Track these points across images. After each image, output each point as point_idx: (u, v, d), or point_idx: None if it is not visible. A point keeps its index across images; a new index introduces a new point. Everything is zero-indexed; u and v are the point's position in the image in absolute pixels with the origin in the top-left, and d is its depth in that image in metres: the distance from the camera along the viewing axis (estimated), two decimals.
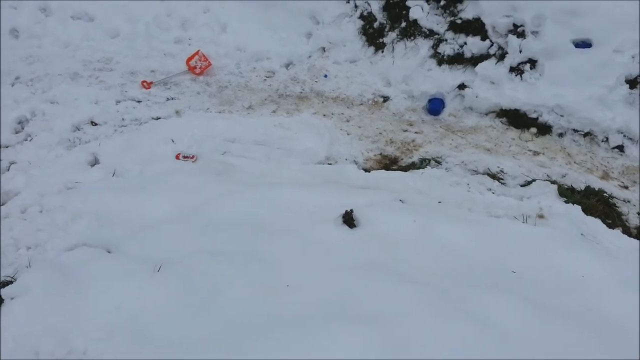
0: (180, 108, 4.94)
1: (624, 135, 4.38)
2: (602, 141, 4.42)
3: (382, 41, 5.56)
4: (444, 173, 4.04)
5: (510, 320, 2.51)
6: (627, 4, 4.49)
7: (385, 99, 5.22)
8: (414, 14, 5.37)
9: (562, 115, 4.55)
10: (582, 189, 3.93)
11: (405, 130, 4.76)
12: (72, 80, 5.28)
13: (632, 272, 2.94)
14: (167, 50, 5.87)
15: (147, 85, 5.26)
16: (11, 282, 2.67)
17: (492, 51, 4.97)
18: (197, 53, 5.56)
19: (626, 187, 4.02)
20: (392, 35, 5.52)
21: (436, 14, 5.30)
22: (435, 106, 4.95)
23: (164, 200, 3.48)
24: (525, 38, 4.79)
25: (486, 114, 4.86)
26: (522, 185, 3.94)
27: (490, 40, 4.99)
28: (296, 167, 4.08)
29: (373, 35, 5.64)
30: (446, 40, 5.20)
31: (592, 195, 3.85)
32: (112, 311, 2.49)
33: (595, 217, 3.52)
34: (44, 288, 2.53)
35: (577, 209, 3.53)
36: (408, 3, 5.43)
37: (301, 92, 5.37)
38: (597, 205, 3.73)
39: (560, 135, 4.55)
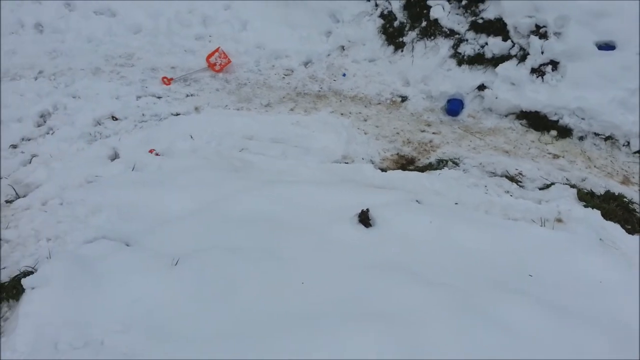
0: (200, 104, 4.98)
1: None
2: (624, 145, 4.35)
3: (402, 40, 5.54)
4: (462, 174, 4.02)
5: (526, 323, 2.50)
6: None
7: (404, 98, 5.20)
8: (435, 13, 5.34)
9: (583, 118, 4.49)
10: (602, 193, 3.88)
11: (423, 131, 4.74)
12: (94, 75, 5.35)
13: None
14: (187, 46, 5.92)
15: (167, 81, 5.31)
16: (32, 273, 2.72)
17: (513, 52, 4.92)
18: (217, 50, 5.60)
19: None
20: (412, 35, 5.49)
21: (457, 14, 5.27)
22: (454, 107, 4.92)
23: (182, 195, 3.51)
24: (547, 39, 4.73)
25: (506, 116, 4.82)
26: (540, 189, 3.89)
27: (512, 41, 4.94)
28: (313, 165, 4.08)
29: (393, 35, 5.62)
30: (467, 40, 5.16)
31: (612, 200, 3.80)
32: (129, 304, 2.53)
33: (615, 222, 3.46)
34: (64, 279, 2.58)
35: (596, 213, 3.49)
36: (429, 2, 5.41)
37: (319, 91, 5.37)
38: (617, 210, 3.68)
39: (581, 138, 4.49)
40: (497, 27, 5.04)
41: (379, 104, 5.18)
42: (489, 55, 5.02)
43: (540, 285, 2.84)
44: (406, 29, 5.56)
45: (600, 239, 3.27)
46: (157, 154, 4.14)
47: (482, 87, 4.96)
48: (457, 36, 5.24)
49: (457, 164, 4.21)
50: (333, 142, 4.44)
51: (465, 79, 5.04)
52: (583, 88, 4.53)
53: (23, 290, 2.57)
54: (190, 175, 3.75)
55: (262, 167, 4.05)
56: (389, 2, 5.68)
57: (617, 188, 3.96)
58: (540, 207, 3.54)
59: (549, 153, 4.40)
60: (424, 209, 3.45)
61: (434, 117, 4.95)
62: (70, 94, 4.94)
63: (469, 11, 5.22)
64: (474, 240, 3.12)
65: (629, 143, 4.34)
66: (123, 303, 2.53)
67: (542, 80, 4.71)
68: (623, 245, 3.24)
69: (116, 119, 4.64)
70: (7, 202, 3.54)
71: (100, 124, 4.54)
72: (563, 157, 4.34)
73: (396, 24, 5.62)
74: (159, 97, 5.05)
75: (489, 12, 5.09)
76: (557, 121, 4.57)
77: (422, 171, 4.09)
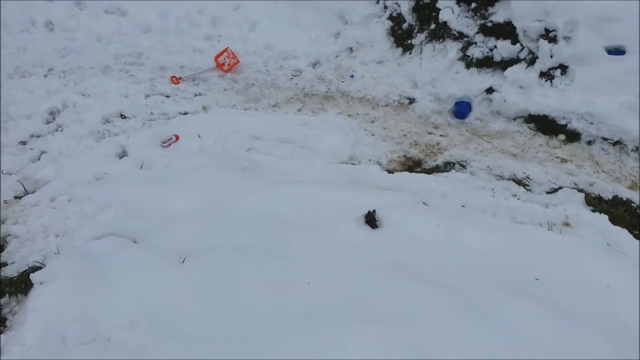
0: (208, 104, 5.00)
1: None
2: (632, 150, 4.33)
3: (411, 42, 5.54)
4: (469, 177, 4.01)
5: (531, 325, 2.49)
6: None
7: (411, 100, 5.20)
8: (444, 16, 5.34)
9: (591, 123, 4.47)
10: (610, 198, 3.86)
11: (430, 133, 4.74)
12: (104, 73, 5.38)
13: None
14: (196, 46, 5.95)
15: (176, 80, 5.33)
16: (40, 268, 2.74)
17: (522, 55, 4.91)
18: (225, 50, 5.62)
19: None
20: (420, 37, 5.49)
21: (466, 17, 5.26)
22: (461, 109, 4.91)
23: (189, 194, 3.53)
24: (556, 43, 4.72)
25: (514, 119, 4.81)
26: (548, 192, 3.88)
27: (521, 45, 4.93)
28: (320, 166, 4.09)
29: (401, 37, 5.62)
30: (476, 43, 5.16)
31: (620, 205, 3.78)
32: (136, 301, 2.54)
33: (622, 227, 3.44)
34: (72, 275, 2.60)
35: (604, 218, 3.47)
36: (438, 5, 5.41)
37: (327, 92, 5.38)
38: (625, 215, 3.66)
39: (589, 143, 4.47)
40: (507, 31, 5.03)
41: (387, 105, 5.18)
42: (497, 58, 5.02)
43: (547, 288, 2.83)
44: (415, 31, 5.56)
45: (608, 244, 3.25)
46: (177, 138, 4.22)
47: (490, 90, 4.96)
48: (466, 39, 5.23)
49: (464, 167, 4.21)
50: (340, 143, 4.45)
51: (473, 82, 5.03)
52: (592, 92, 4.52)
53: (31, 285, 2.60)
54: (198, 174, 3.77)
55: (269, 167, 4.06)
56: (398, 4, 5.69)
57: (625, 193, 3.95)
58: (547, 211, 3.52)
59: (557, 157, 4.38)
60: (430, 211, 3.45)
61: (441, 119, 4.94)
62: (79, 91, 4.97)
63: (478, 14, 5.22)
64: (480, 243, 3.12)
65: (637, 148, 4.32)
66: (130, 300, 2.54)
67: (551, 84, 4.70)
68: (630, 250, 3.22)
69: (125, 117, 4.66)
70: (15, 198, 3.56)
71: (109, 122, 4.56)
72: (571, 161, 4.33)
73: (405, 26, 5.62)
74: (167, 96, 5.08)
75: (499, 16, 5.08)
76: (566, 125, 4.56)
77: (429, 173, 4.09)
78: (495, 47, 5.04)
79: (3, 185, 3.68)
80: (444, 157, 4.38)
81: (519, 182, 3.98)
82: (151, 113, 4.76)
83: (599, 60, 4.54)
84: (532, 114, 4.71)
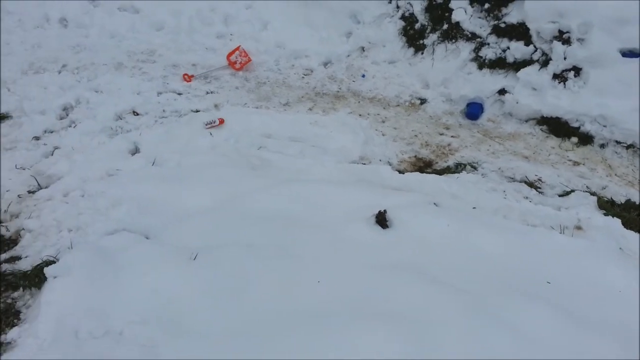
0: (219, 102, 5.02)
1: None
2: None
3: (423, 43, 5.53)
4: (480, 179, 4.00)
5: (542, 330, 2.48)
6: None
7: (423, 101, 5.19)
8: (457, 16, 5.32)
9: (604, 126, 4.44)
10: (623, 202, 3.83)
11: (442, 134, 4.73)
12: (117, 70, 5.42)
13: None
14: (208, 44, 5.98)
15: (188, 78, 5.36)
16: (53, 262, 2.76)
17: (535, 57, 4.88)
18: (237, 48, 5.64)
19: None
20: (432, 37, 5.48)
21: (479, 17, 5.24)
22: (473, 110, 4.89)
23: (201, 191, 3.54)
24: (570, 45, 4.69)
25: (526, 121, 4.79)
26: (560, 195, 3.86)
27: (534, 46, 4.90)
28: (330, 165, 4.09)
29: (413, 37, 5.61)
30: (488, 44, 5.14)
31: (633, 209, 3.75)
32: (148, 295, 2.56)
33: (635, 231, 3.41)
34: (85, 269, 2.62)
35: (616, 222, 3.44)
36: (451, 5, 5.39)
37: (338, 91, 5.38)
38: (638, 219, 3.63)
39: (602, 146, 4.44)
40: (520, 32, 5.01)
41: (398, 105, 5.18)
42: (510, 59, 4.99)
43: (558, 292, 2.82)
44: (427, 31, 5.55)
45: (620, 248, 3.23)
46: (221, 122, 4.39)
47: (502, 92, 4.94)
48: (478, 40, 5.21)
49: (475, 168, 4.19)
50: (351, 142, 4.45)
51: (485, 83, 5.01)
52: (605, 95, 4.48)
53: (45, 279, 2.62)
54: (209, 172, 3.78)
55: (279, 165, 4.07)
56: (410, 4, 5.68)
57: (638, 197, 3.91)
58: (559, 214, 3.50)
59: (570, 160, 4.36)
60: (441, 212, 3.44)
61: (453, 120, 4.93)
62: (92, 88, 5.01)
63: (491, 15, 5.19)
64: (491, 245, 3.11)
65: None
66: (142, 295, 2.56)
67: (564, 86, 4.67)
68: None
69: (137, 114, 4.69)
70: (29, 192, 3.60)
71: (121, 119, 4.59)
72: (583, 164, 4.30)
73: (417, 26, 5.62)
74: (179, 94, 5.10)
75: (512, 17, 5.06)
76: (579, 128, 4.53)
77: (440, 174, 4.08)
78: (508, 48, 5.02)
79: (17, 180, 3.72)
80: (455, 158, 4.37)
81: (530, 185, 3.96)
82: (163, 110, 4.78)
83: (613, 63, 4.51)
84: (545, 116, 4.68)
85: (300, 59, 5.85)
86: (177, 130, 4.39)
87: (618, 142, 4.40)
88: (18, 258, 2.98)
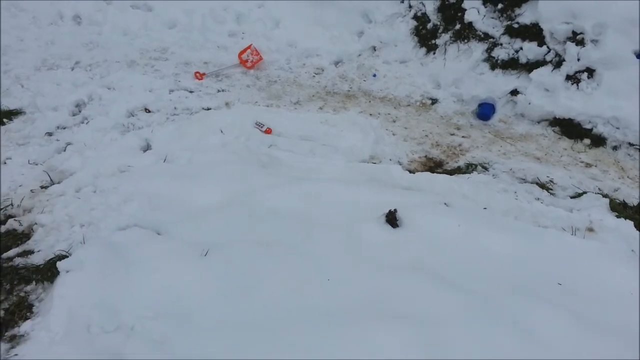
0: (230, 100, 5.04)
1: None
2: None
3: (435, 43, 5.52)
4: (491, 179, 3.98)
5: (552, 331, 2.47)
6: None
7: (434, 101, 5.18)
8: (470, 16, 5.30)
9: (617, 128, 4.41)
10: (635, 204, 3.79)
11: (453, 134, 4.71)
12: (129, 67, 5.46)
13: None
14: (220, 42, 6.00)
15: (199, 76, 5.38)
16: (66, 257, 2.79)
17: (548, 58, 4.85)
18: (249, 47, 5.66)
19: None
20: (445, 37, 5.46)
21: (492, 18, 5.22)
22: (485, 111, 4.87)
23: (211, 188, 3.56)
24: (584, 46, 4.66)
25: (538, 122, 4.76)
26: (572, 197, 3.83)
27: (548, 47, 4.87)
28: (341, 164, 4.09)
29: (425, 37, 5.60)
30: (501, 44, 5.11)
31: None
32: (159, 291, 2.58)
33: None
34: (97, 264, 2.64)
35: (628, 224, 3.41)
36: (464, 5, 5.37)
37: (349, 90, 5.38)
38: None
39: (615, 148, 4.41)
40: (533, 32, 4.98)
41: (409, 105, 5.16)
42: (523, 60, 4.97)
43: (569, 293, 2.80)
44: (439, 31, 5.53)
45: (632, 250, 3.20)
46: (269, 131, 4.45)
47: (514, 92, 4.91)
48: (491, 40, 5.19)
49: (486, 169, 4.17)
50: (361, 141, 4.44)
51: (497, 84, 4.99)
52: (619, 97, 4.45)
53: (57, 273, 2.65)
54: (220, 169, 3.80)
55: (290, 163, 4.08)
56: (423, 4, 5.66)
57: None
58: (571, 216, 3.48)
59: (582, 161, 4.33)
60: (452, 212, 3.42)
61: (464, 120, 4.91)
62: (105, 85, 5.05)
63: (504, 15, 5.17)
64: (502, 246, 3.09)
65: None
66: (153, 290, 2.57)
67: (577, 88, 4.64)
68: None
69: (149, 112, 4.72)
70: (42, 187, 3.63)
71: (133, 116, 4.62)
72: (596, 166, 4.27)
73: (429, 26, 5.60)
74: (191, 92, 5.13)
75: (525, 17, 5.03)
76: (591, 129, 4.50)
77: (451, 174, 4.06)
78: (521, 48, 4.99)
79: (29, 175, 3.77)
80: (465, 158, 4.35)
81: (542, 186, 3.93)
82: (175, 108, 4.81)
83: (627, 65, 4.48)
84: (557, 117, 4.65)
85: (311, 57, 5.86)
86: (188, 127, 4.41)
87: (631, 144, 4.36)
88: (31, 252, 3.01)
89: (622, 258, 3.09)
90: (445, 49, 5.42)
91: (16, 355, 2.26)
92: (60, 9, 6.23)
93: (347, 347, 2.35)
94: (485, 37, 5.23)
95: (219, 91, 5.21)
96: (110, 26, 6.12)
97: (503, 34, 5.14)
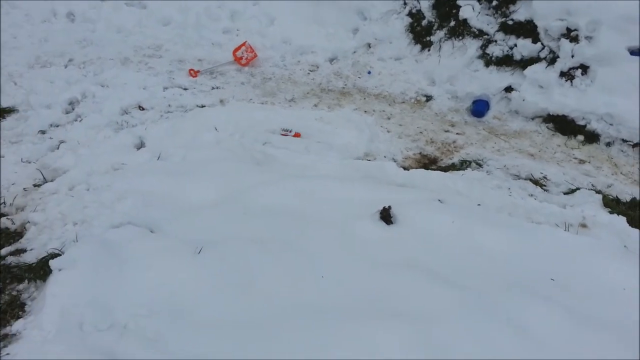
0: (225, 97, 5.03)
1: None
2: None
3: (429, 39, 5.52)
4: (485, 176, 3.98)
5: (546, 327, 2.48)
6: None
7: (428, 98, 5.18)
8: (465, 13, 5.30)
9: (611, 124, 4.42)
10: (628, 200, 3.81)
11: (447, 131, 4.71)
12: (123, 65, 5.44)
13: None
14: (215, 40, 5.99)
15: (194, 73, 5.37)
16: (59, 255, 2.78)
17: (542, 54, 4.86)
18: (244, 44, 5.64)
19: None
20: (439, 34, 5.46)
21: (487, 14, 5.22)
22: (479, 108, 4.88)
23: (205, 185, 3.55)
24: (578, 43, 4.67)
25: (532, 119, 4.77)
26: (565, 193, 3.84)
27: (542, 44, 4.88)
28: (335, 161, 4.08)
29: (420, 33, 5.60)
30: (496, 41, 5.12)
31: (638, 207, 3.72)
32: (153, 288, 2.57)
33: None
34: (90, 262, 2.63)
35: (621, 220, 3.42)
36: (459, 2, 5.38)
37: (344, 88, 5.38)
38: None
39: (608, 144, 4.42)
40: (527, 29, 4.98)
41: (403, 102, 5.16)
42: (517, 57, 4.97)
43: (562, 289, 2.81)
44: (434, 28, 5.53)
45: (625, 246, 3.21)
46: (297, 135, 4.43)
47: (509, 89, 4.92)
48: (485, 37, 5.19)
49: (480, 166, 4.18)
50: (356, 139, 4.44)
51: (492, 80, 4.99)
52: (613, 93, 4.46)
53: (50, 271, 2.64)
54: (214, 167, 3.79)
55: (284, 161, 4.07)
56: (417, 1, 5.66)
57: None
58: (564, 212, 3.49)
59: (575, 158, 4.34)
60: (446, 208, 3.43)
61: (458, 117, 4.91)
62: (98, 82, 5.03)
63: (499, 12, 5.17)
64: (496, 242, 3.10)
65: None
66: (147, 288, 2.57)
67: (571, 84, 4.65)
68: None
69: (143, 109, 4.70)
70: (35, 186, 3.61)
71: (127, 113, 4.60)
72: (589, 162, 4.28)
73: (424, 22, 5.60)
74: (185, 89, 5.11)
75: (520, 14, 5.03)
76: (585, 126, 4.51)
77: (445, 171, 4.06)
78: (516, 45, 5.00)
79: (22, 173, 3.75)
80: (460, 155, 4.36)
81: (536, 182, 3.94)
82: (169, 105, 4.79)
83: (620, 61, 4.49)
84: (551, 113, 4.66)
85: (306, 55, 5.85)
86: (182, 125, 4.40)
87: (624, 141, 4.38)
88: (23, 251, 3.00)
89: (615, 254, 3.10)
90: (440, 46, 5.42)
91: (8, 354, 2.26)
92: (53, 6, 6.21)
93: (341, 344, 2.35)
94: (480, 34, 5.23)
95: (213, 88, 5.20)
96: (104, 23, 6.10)
97: (497, 30, 5.14)
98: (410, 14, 5.70)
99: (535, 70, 4.82)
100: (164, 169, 3.75)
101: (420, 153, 4.42)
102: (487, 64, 5.10)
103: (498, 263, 2.97)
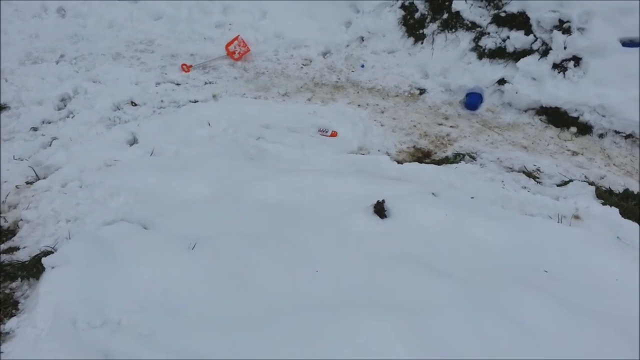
0: (218, 92, 5.00)
1: None
2: None
3: (422, 32, 5.50)
4: (479, 169, 3.99)
5: (540, 318, 2.50)
6: None
7: (422, 91, 5.17)
8: (457, 5, 5.29)
9: (604, 116, 4.43)
10: (621, 191, 3.83)
11: (440, 124, 4.71)
12: (115, 60, 5.40)
13: None
14: (207, 34, 5.94)
15: (186, 68, 5.34)
16: (52, 252, 2.77)
17: (535, 46, 4.86)
18: (236, 38, 5.61)
19: None
20: (432, 27, 5.45)
21: (480, 7, 5.21)
22: (472, 100, 4.88)
23: (199, 181, 3.55)
24: (570, 34, 4.67)
25: (525, 111, 4.77)
26: (558, 185, 3.86)
27: (535, 36, 4.88)
28: (329, 155, 4.09)
29: (413, 26, 5.58)
30: (488, 33, 5.11)
31: (631, 198, 3.75)
32: (147, 285, 2.57)
33: (633, 221, 3.41)
34: (84, 259, 2.62)
35: (614, 211, 3.45)
36: None
37: (337, 82, 5.36)
38: (635, 209, 3.62)
39: (601, 136, 4.44)
40: (520, 21, 4.98)
41: (397, 96, 5.16)
42: (510, 49, 4.97)
43: (555, 281, 2.83)
44: (427, 20, 5.52)
45: (618, 237, 3.23)
46: (334, 134, 4.37)
47: (502, 82, 4.92)
48: (478, 29, 5.18)
49: (474, 158, 4.19)
50: (349, 133, 4.45)
51: (485, 73, 4.99)
52: (605, 85, 4.47)
53: (43, 269, 2.62)
54: (207, 162, 3.78)
55: (278, 155, 4.07)
56: None
57: (636, 187, 3.91)
58: (557, 204, 3.50)
59: (568, 150, 4.35)
60: (439, 201, 3.44)
61: (452, 110, 4.92)
62: (90, 78, 4.99)
63: (491, 4, 5.16)
64: (489, 234, 3.11)
65: None
66: (140, 284, 2.56)
67: (564, 76, 4.65)
68: None
69: (135, 105, 4.68)
70: (27, 183, 3.60)
71: (119, 109, 4.58)
72: (582, 154, 4.30)
73: (417, 15, 5.58)
74: (177, 84, 5.08)
75: (512, 6, 5.03)
76: (578, 118, 4.52)
77: (439, 164, 4.07)
78: (508, 37, 4.99)
79: (14, 171, 3.72)
80: (453, 148, 4.37)
81: (529, 175, 3.95)
82: (161, 101, 4.77)
83: (613, 52, 4.50)
84: (544, 106, 4.67)
85: (299, 48, 5.82)
86: (175, 120, 4.38)
87: (617, 132, 4.39)
88: (16, 249, 2.99)
89: (608, 245, 3.12)
90: (433, 39, 5.41)
91: (2, 352, 2.25)
92: (44, 2, 6.14)
93: (336, 338, 2.35)
94: (473, 26, 5.23)
95: (206, 83, 5.17)
96: (95, 18, 6.04)
97: (490, 23, 5.14)
98: (403, 7, 5.69)
99: (528, 63, 4.83)
100: (157, 165, 3.73)
101: (414, 146, 4.42)
102: (480, 56, 5.10)
103: (492, 255, 2.99)
